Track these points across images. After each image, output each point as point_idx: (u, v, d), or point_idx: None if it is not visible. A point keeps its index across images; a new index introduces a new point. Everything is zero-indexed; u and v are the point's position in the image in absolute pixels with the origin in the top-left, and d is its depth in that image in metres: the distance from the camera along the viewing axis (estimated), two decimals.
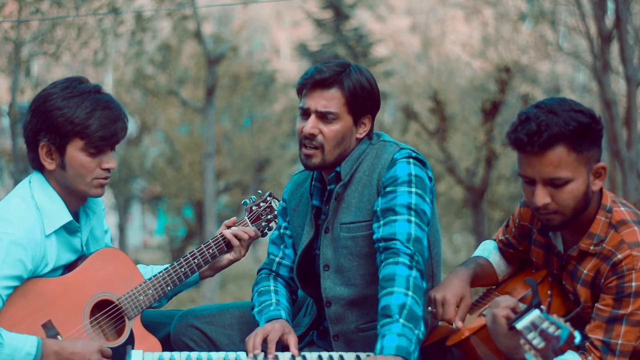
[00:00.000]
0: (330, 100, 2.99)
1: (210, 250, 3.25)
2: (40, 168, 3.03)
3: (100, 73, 15.75)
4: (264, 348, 2.85)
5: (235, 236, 3.28)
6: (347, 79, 3.00)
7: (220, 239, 3.27)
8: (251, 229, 3.31)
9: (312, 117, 3.01)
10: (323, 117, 3.00)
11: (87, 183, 3.00)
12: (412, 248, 2.83)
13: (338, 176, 3.05)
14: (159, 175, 20.48)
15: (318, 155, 3.03)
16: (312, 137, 3.00)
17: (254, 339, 2.86)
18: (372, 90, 3.05)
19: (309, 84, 3.01)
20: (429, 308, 2.92)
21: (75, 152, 2.95)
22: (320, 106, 2.99)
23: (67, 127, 2.92)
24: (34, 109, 2.97)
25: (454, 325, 2.88)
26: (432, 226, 3.06)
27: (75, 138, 2.94)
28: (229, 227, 3.33)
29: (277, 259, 3.25)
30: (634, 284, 2.66)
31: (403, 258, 2.80)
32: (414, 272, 2.79)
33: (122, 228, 23.32)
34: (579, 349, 2.69)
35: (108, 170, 3.02)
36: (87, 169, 2.97)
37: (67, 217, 2.99)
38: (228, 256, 3.30)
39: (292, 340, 2.89)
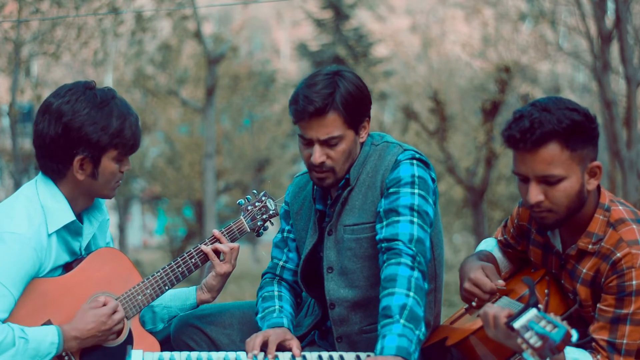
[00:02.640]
0: (330, 126, 2.95)
1: (208, 248, 3.23)
2: (61, 177, 3.01)
3: (100, 73, 15.72)
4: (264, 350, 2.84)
5: (215, 250, 3.19)
6: (338, 96, 2.93)
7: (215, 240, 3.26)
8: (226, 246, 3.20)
9: (317, 147, 2.97)
10: (327, 143, 2.97)
11: (111, 187, 3.05)
12: (414, 249, 2.83)
13: (347, 182, 3.04)
14: (159, 175, 20.47)
15: (331, 177, 3.01)
16: (321, 164, 2.98)
17: (254, 340, 2.86)
18: (363, 93, 3.01)
19: (306, 118, 2.95)
20: (473, 303, 2.90)
21: (109, 161, 2.99)
22: (322, 134, 2.95)
23: (104, 140, 2.94)
24: (64, 124, 2.92)
25: (498, 287, 2.85)
26: (434, 227, 3.06)
27: (110, 149, 2.97)
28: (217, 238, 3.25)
29: (281, 263, 3.25)
30: (634, 282, 2.66)
31: (405, 259, 2.80)
32: (416, 273, 2.78)
33: (122, 228, 23.32)
34: (585, 348, 2.70)
35: (123, 172, 3.07)
36: (114, 175, 3.02)
37: (70, 217, 3.00)
38: (218, 270, 3.17)
39: (294, 344, 2.89)
